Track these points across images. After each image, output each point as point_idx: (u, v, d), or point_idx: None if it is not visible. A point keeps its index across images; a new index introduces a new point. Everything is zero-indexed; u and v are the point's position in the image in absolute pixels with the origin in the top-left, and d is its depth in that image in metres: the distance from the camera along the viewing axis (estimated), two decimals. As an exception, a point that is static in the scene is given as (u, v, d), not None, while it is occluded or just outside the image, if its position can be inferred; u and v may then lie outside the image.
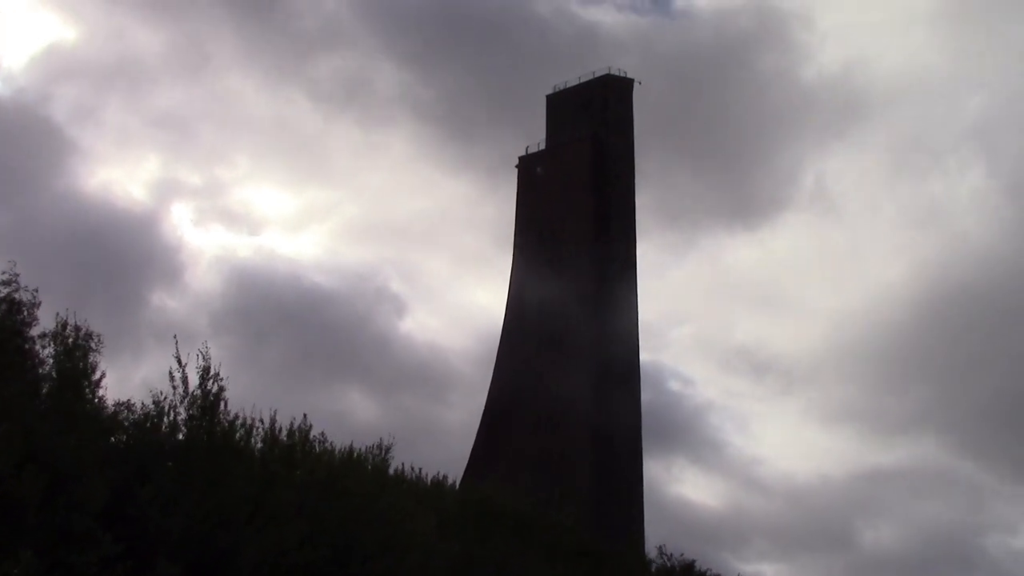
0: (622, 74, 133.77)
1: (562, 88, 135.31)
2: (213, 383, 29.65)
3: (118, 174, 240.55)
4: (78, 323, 28.07)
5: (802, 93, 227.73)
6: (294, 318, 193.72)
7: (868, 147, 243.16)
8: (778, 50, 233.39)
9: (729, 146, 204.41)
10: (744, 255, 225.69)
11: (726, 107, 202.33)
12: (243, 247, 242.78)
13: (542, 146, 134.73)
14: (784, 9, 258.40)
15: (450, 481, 46.45)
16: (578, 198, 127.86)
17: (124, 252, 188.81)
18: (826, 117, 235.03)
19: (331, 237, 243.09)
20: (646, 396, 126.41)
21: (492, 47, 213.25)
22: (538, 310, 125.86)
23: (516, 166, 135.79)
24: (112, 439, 28.02)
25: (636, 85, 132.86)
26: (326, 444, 33.50)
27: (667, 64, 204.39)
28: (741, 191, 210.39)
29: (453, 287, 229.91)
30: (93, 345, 27.91)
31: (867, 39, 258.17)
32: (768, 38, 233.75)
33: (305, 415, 32.80)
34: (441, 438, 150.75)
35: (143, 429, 28.59)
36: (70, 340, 27.87)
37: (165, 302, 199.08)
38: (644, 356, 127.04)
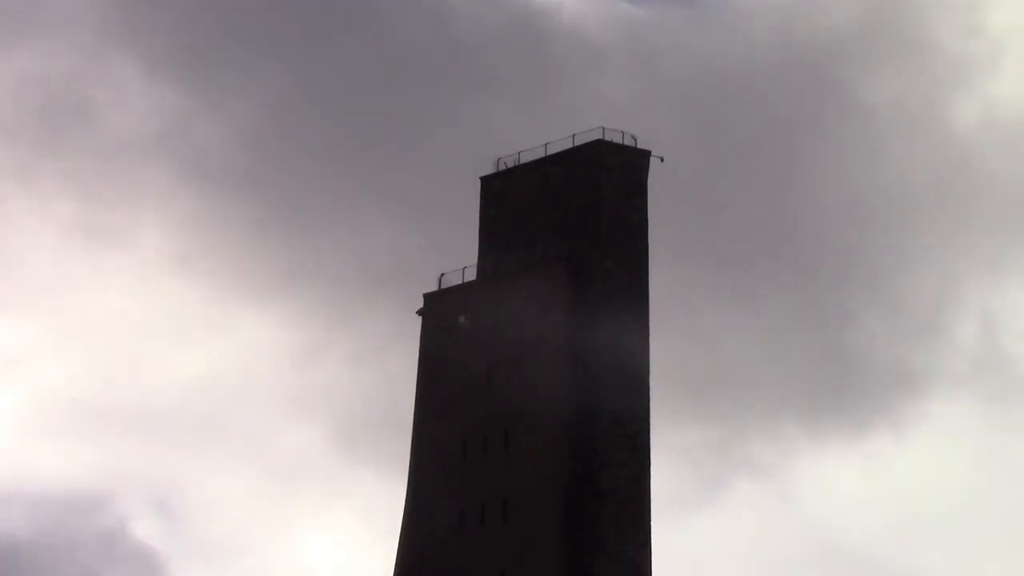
0: (628, 141, 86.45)
1: (511, 164, 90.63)
2: None
3: None
4: None
5: (953, 168, 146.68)
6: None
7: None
8: (908, 77, 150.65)
9: (809, 263, 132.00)
10: (838, 483, 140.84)
11: (806, 189, 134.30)
12: None
13: (471, 273, 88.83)
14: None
15: None
16: (542, 371, 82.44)
17: None
18: (1001, 214, 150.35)
19: (11, 425, 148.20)
20: None
21: (351, 49, 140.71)
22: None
23: (419, 311, 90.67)
24: None
25: (656, 162, 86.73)
26: None
27: (692, 105, 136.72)
28: (833, 353, 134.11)
29: (259, 531, 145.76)
30: None
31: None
32: (886, 56, 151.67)
33: None
34: None
35: None
36: None
37: None
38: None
